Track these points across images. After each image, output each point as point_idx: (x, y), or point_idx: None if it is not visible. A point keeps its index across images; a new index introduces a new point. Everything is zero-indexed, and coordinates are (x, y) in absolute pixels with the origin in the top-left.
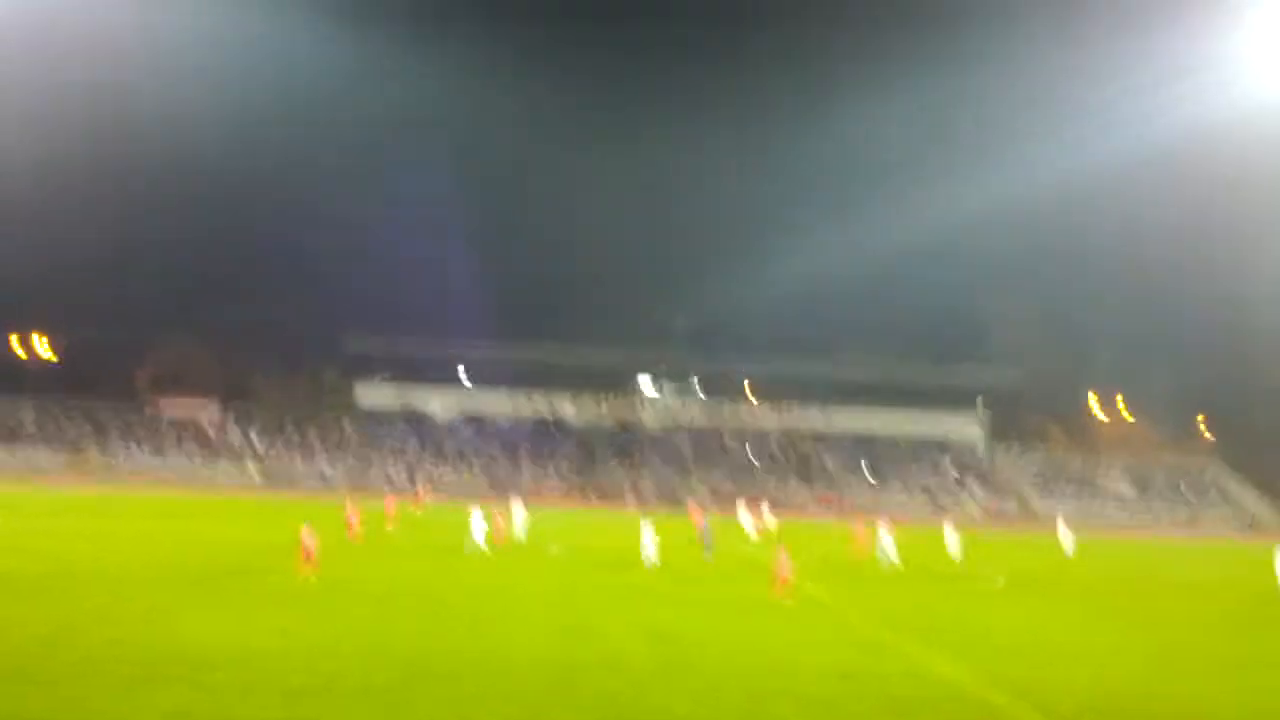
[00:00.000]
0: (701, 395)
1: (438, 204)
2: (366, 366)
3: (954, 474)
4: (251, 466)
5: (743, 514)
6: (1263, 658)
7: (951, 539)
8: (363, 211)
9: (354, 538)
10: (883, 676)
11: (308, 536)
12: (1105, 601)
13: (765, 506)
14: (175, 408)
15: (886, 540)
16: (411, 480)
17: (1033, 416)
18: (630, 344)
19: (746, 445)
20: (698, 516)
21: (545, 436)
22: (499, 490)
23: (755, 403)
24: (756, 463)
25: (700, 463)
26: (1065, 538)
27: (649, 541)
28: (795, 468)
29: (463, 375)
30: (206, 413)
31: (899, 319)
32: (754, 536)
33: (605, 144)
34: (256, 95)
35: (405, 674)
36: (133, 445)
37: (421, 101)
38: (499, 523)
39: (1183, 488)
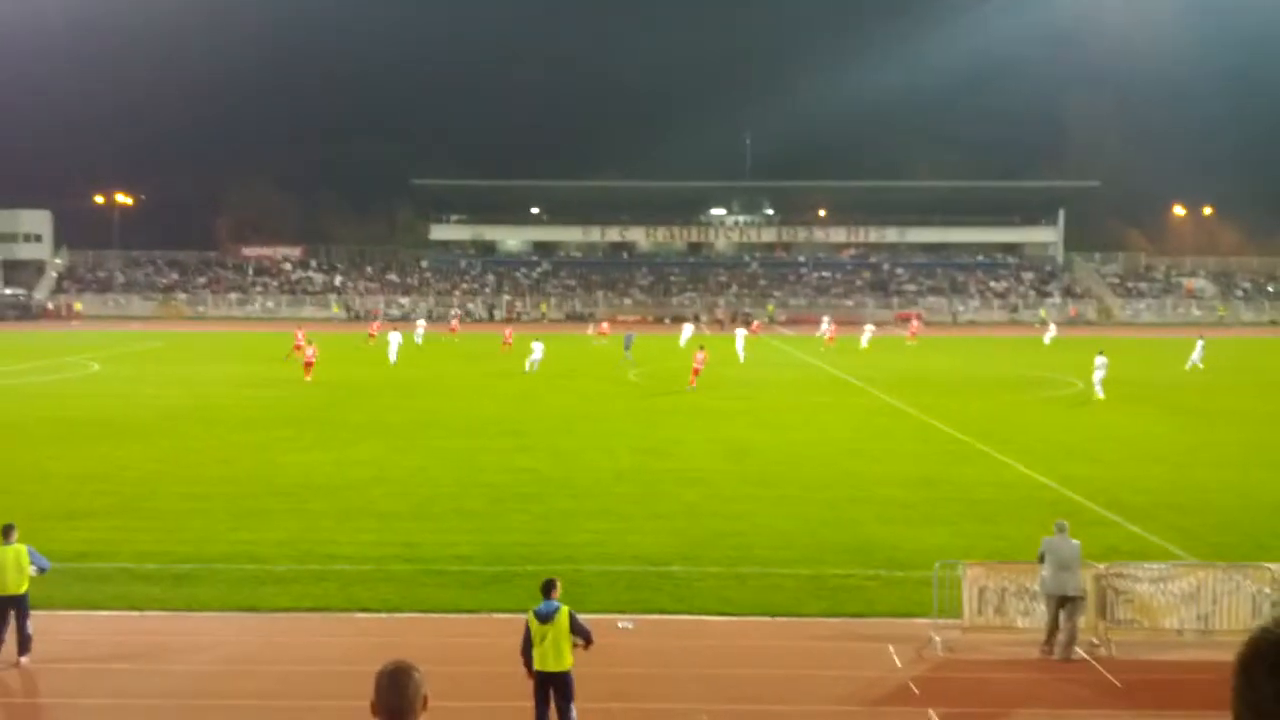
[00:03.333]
0: (773, 216)
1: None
2: (440, 205)
3: (1030, 280)
4: (334, 304)
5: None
6: None
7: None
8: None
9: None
10: (962, 482)
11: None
12: (1188, 401)
13: (826, 321)
14: (257, 252)
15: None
16: (490, 312)
17: (1112, 222)
18: (701, 173)
19: (820, 266)
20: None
21: (618, 265)
22: (576, 319)
23: (827, 224)
24: (832, 279)
25: (773, 284)
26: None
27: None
28: (870, 285)
29: (534, 211)
30: (287, 256)
31: (974, 132)
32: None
33: None
34: None
35: (493, 496)
36: (218, 290)
37: None
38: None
39: (1267, 287)
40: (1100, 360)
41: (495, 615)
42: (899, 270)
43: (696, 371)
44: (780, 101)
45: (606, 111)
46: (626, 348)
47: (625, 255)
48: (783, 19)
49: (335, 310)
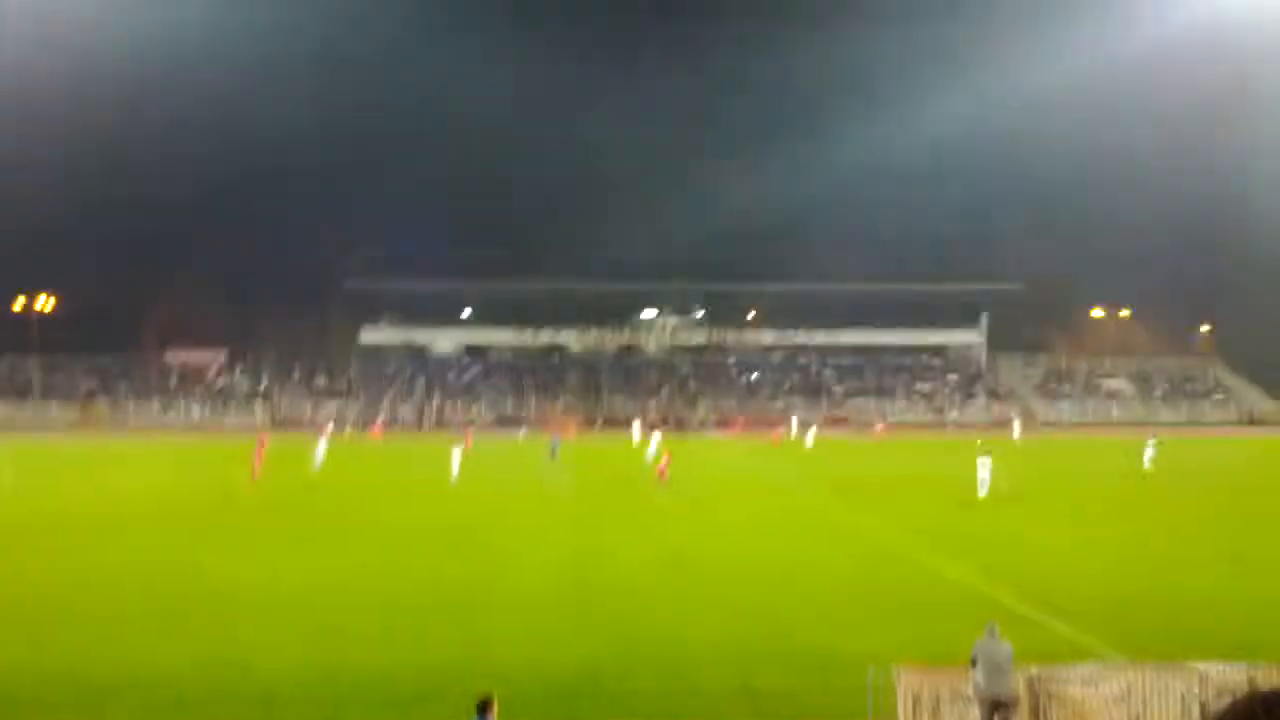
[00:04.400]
0: (703, 320)
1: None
2: (369, 309)
3: (956, 382)
4: (260, 411)
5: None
6: (1259, 552)
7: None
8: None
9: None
10: (894, 584)
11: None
12: (1111, 500)
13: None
14: (182, 358)
15: None
16: (421, 415)
17: (1034, 325)
18: (630, 277)
19: (749, 368)
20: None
21: (549, 368)
22: (506, 423)
23: (758, 326)
24: (755, 381)
25: (704, 385)
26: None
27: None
28: (799, 386)
29: (465, 313)
30: (213, 361)
31: (899, 238)
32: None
33: (597, 76)
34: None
35: (425, 603)
36: (141, 396)
37: (414, 47)
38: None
39: (1184, 387)
40: (983, 461)
41: None
42: (827, 371)
43: (662, 472)
44: (711, 202)
45: (538, 214)
46: (553, 453)
47: (557, 358)
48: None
49: (259, 417)
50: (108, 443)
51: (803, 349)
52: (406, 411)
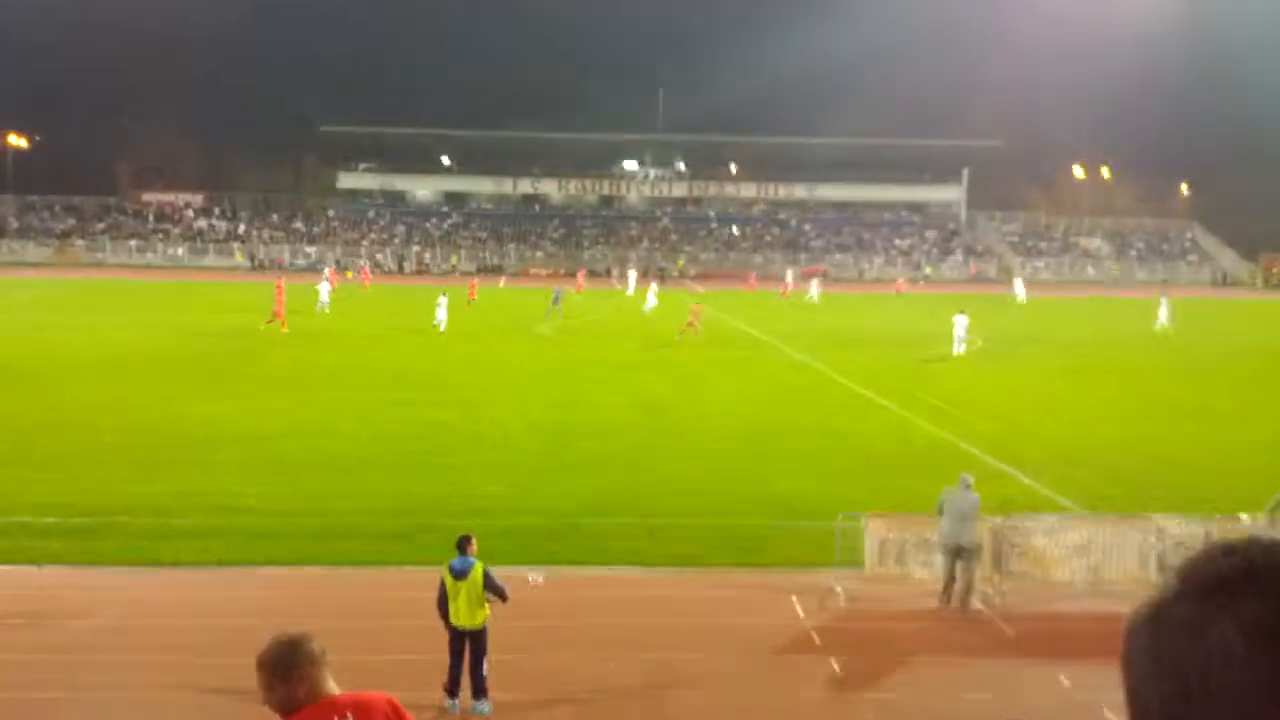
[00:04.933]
0: (684, 172)
1: None
2: (348, 154)
3: (934, 239)
4: (238, 253)
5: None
6: (1227, 408)
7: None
8: None
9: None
10: (865, 436)
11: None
12: (1081, 359)
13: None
14: (159, 199)
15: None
16: (401, 262)
17: (1013, 183)
18: (614, 127)
19: (729, 222)
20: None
21: (529, 217)
22: (486, 272)
23: (739, 180)
24: (735, 235)
25: (684, 238)
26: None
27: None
28: (780, 241)
29: (445, 160)
30: (190, 204)
31: (882, 93)
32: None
33: None
34: None
35: (402, 448)
36: (118, 237)
37: None
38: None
39: (1161, 248)
40: (960, 319)
41: (406, 568)
42: (807, 227)
43: (692, 323)
44: (694, 57)
45: (521, 62)
46: (555, 301)
47: (537, 208)
48: None
49: (239, 259)
50: (92, 282)
51: (783, 204)
52: (385, 259)
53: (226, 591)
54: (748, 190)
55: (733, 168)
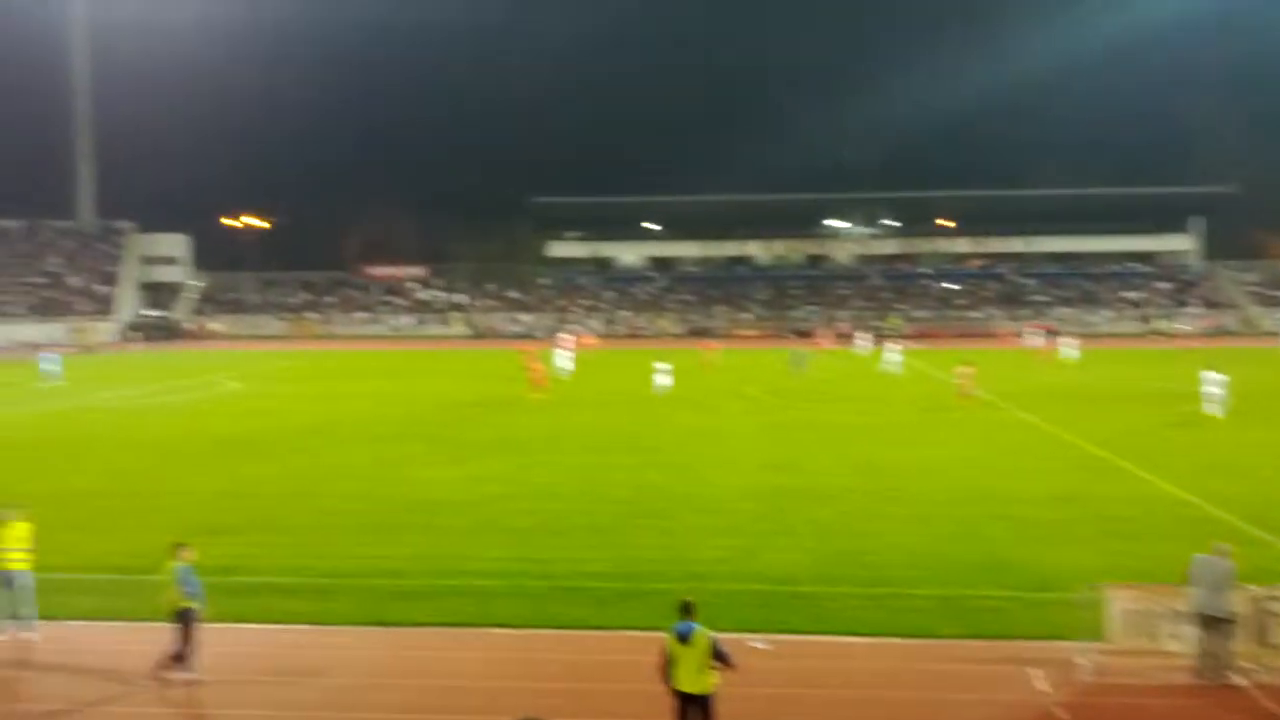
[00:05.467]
0: (894, 228)
1: (614, 57)
2: (557, 223)
3: (1167, 290)
4: (458, 322)
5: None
6: None
7: None
8: (543, 74)
9: (540, 383)
10: (1101, 499)
11: (534, 363)
12: None
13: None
14: (382, 273)
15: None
16: (601, 329)
17: (1250, 230)
18: (817, 186)
19: (943, 277)
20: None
21: (736, 279)
22: (695, 334)
23: (952, 234)
24: (950, 291)
25: (897, 296)
26: None
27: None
28: (999, 295)
29: (651, 226)
30: (411, 276)
31: (1100, 136)
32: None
33: None
34: None
35: (622, 511)
36: (347, 309)
37: None
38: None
39: None
40: (1210, 375)
41: (628, 632)
42: (1027, 280)
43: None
44: (897, 107)
45: (721, 124)
46: (797, 363)
47: (743, 269)
48: (898, 21)
49: (459, 328)
50: (324, 353)
51: (999, 257)
52: (595, 324)
53: (455, 652)
54: (961, 245)
55: (944, 222)
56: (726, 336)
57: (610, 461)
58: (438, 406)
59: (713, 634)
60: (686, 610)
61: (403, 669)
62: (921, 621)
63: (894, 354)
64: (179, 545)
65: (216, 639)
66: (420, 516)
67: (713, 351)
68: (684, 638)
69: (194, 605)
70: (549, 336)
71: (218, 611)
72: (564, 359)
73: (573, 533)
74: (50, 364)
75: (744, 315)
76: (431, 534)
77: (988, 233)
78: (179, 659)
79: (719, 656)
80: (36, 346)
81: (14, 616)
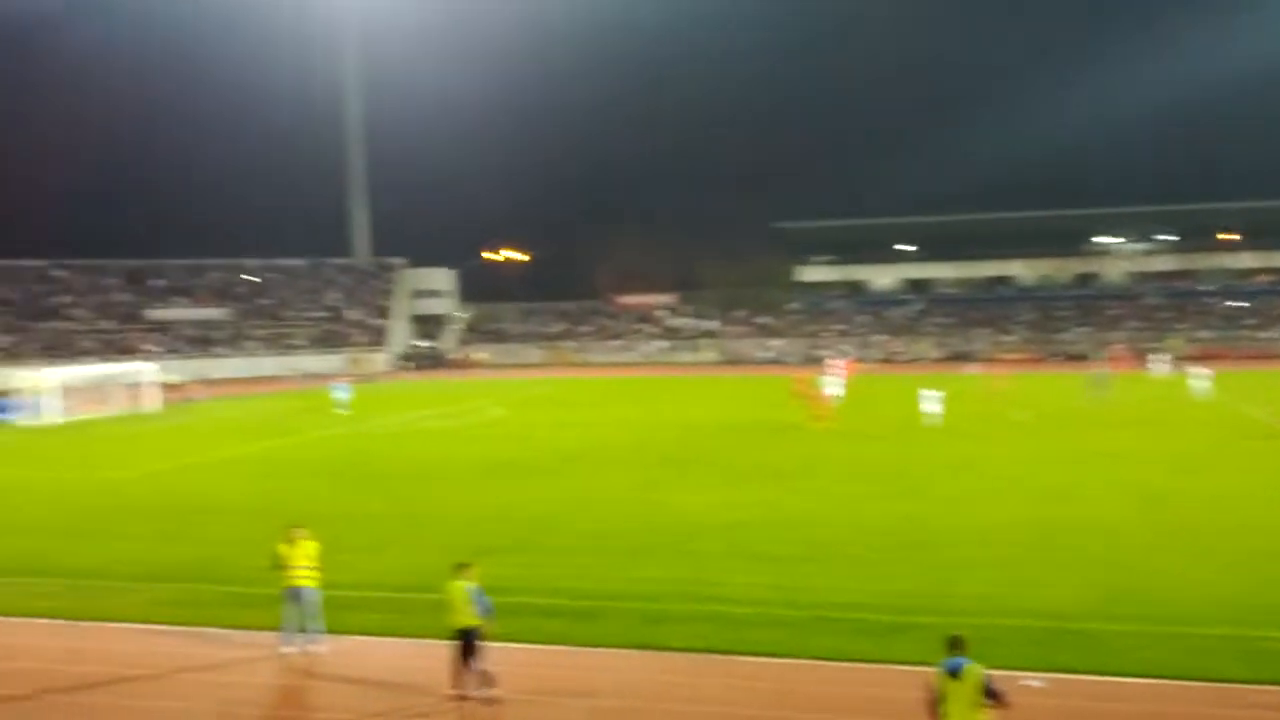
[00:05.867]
0: (1171, 241)
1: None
2: (805, 248)
3: None
4: (706, 348)
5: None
6: None
7: None
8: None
9: (823, 411)
10: None
11: (812, 389)
12: None
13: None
14: (634, 301)
15: None
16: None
17: None
18: (1083, 201)
19: (1229, 295)
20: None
21: (997, 300)
22: (955, 358)
23: (1237, 249)
24: (1238, 309)
25: (1176, 315)
26: None
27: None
28: None
29: (903, 248)
30: (661, 304)
31: None
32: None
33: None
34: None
35: (884, 543)
36: (602, 337)
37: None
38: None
39: None
40: None
41: (891, 666)
42: None
43: None
44: (1176, 110)
45: (973, 151)
46: (1097, 386)
47: (1005, 290)
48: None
49: (710, 354)
50: (580, 381)
51: None
52: (848, 348)
53: (712, 679)
54: (1245, 259)
55: (1227, 236)
56: (989, 360)
57: (872, 491)
58: (691, 431)
59: (984, 670)
60: (956, 645)
61: (661, 693)
62: (1209, 663)
63: (1203, 379)
64: (463, 565)
65: (490, 658)
66: (675, 540)
67: (1000, 377)
68: (954, 673)
69: (483, 624)
70: (807, 362)
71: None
72: (834, 385)
73: (829, 561)
74: (342, 392)
75: (1007, 338)
76: (686, 559)
77: (1277, 246)
78: (487, 677)
79: (991, 694)
80: (320, 376)
81: (303, 630)
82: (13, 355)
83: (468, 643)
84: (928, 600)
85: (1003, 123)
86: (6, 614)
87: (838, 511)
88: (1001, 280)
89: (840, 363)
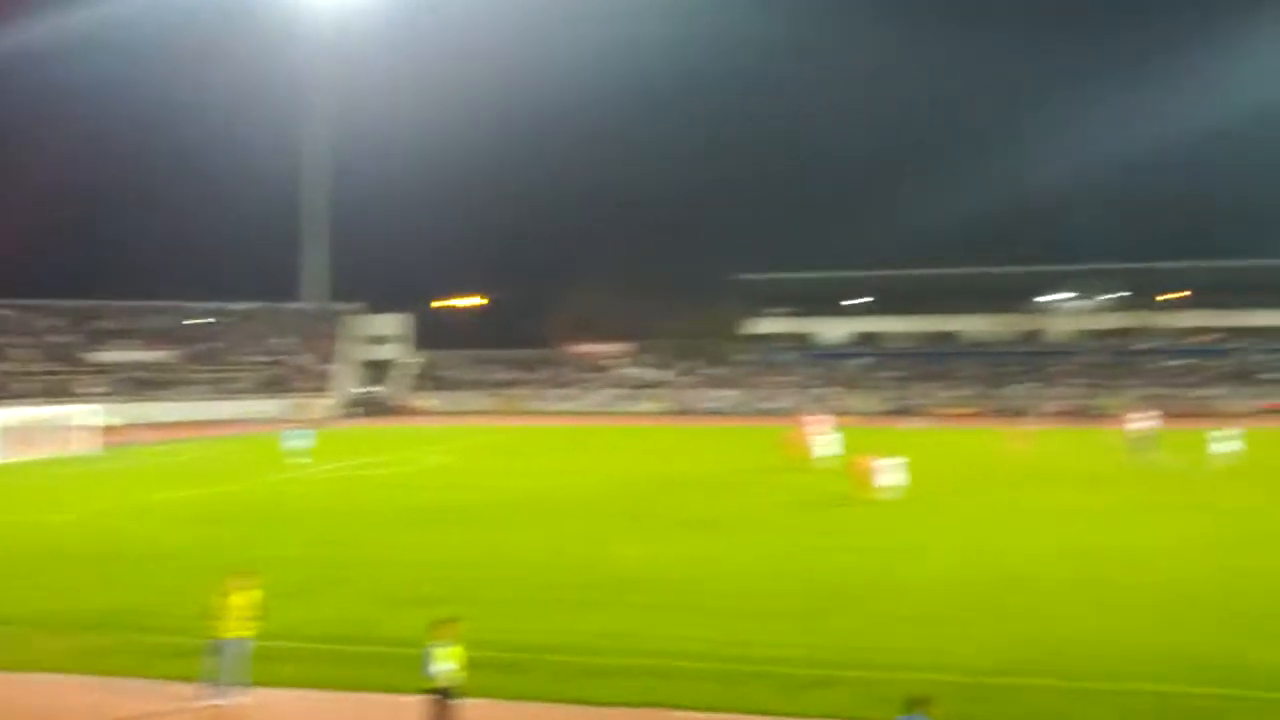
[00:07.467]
0: (1115, 301)
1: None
2: (760, 300)
3: None
4: (656, 399)
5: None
6: None
7: None
8: (740, 156)
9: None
10: None
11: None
12: None
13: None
14: (587, 350)
15: None
16: (811, 407)
17: None
18: (1029, 259)
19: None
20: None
21: (942, 356)
22: (900, 413)
23: (1180, 307)
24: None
25: (1117, 374)
26: None
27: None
28: (1231, 373)
29: (854, 302)
30: (615, 353)
31: None
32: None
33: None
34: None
35: (815, 597)
36: (553, 386)
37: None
38: None
39: None
40: None
41: None
42: (1258, 356)
43: None
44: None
45: (924, 203)
46: (1144, 449)
47: (950, 345)
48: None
49: (660, 405)
50: (528, 429)
51: (1236, 332)
52: (790, 400)
53: None
54: (1191, 319)
55: (1169, 295)
56: (932, 414)
57: (814, 544)
58: (637, 481)
59: None
60: (917, 704)
61: None
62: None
63: (1230, 443)
64: (441, 622)
65: (401, 712)
66: (606, 593)
67: (1023, 433)
68: None
69: (451, 685)
70: (756, 414)
71: (408, 682)
72: (825, 441)
73: (764, 616)
74: (299, 440)
75: (953, 393)
76: (617, 611)
77: (1221, 305)
78: None
79: None
80: (264, 421)
81: (231, 682)
82: None
83: (447, 701)
84: (852, 654)
85: (957, 178)
86: None
87: (777, 564)
88: (949, 335)
89: (820, 418)
